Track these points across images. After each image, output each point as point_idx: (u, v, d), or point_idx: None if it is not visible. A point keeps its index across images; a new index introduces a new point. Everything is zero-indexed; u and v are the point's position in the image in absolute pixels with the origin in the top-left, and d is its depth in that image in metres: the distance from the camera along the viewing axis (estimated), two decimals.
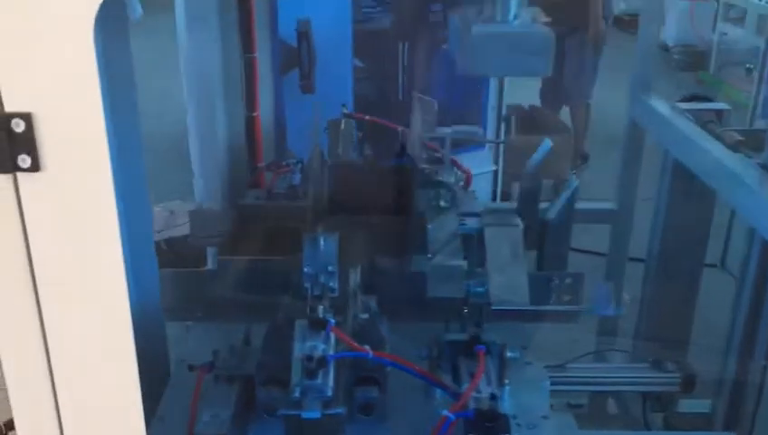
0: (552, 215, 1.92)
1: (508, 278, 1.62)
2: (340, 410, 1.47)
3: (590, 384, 2.39)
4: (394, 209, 2.10)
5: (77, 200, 1.05)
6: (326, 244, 1.64)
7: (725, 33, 8.66)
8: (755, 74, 5.25)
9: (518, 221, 1.80)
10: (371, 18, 5.34)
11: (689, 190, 2.56)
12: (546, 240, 1.93)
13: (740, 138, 2.30)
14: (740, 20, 8.48)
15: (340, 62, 4.05)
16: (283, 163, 2.58)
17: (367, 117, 2.58)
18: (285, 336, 1.54)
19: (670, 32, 8.98)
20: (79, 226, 1.06)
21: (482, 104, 3.82)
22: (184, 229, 3.44)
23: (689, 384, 2.39)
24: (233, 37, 2.55)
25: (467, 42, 1.69)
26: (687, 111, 2.52)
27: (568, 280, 1.93)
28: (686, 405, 2.72)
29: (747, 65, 8.17)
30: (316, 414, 1.43)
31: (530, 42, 1.69)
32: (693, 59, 8.61)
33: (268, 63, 2.81)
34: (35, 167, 1.01)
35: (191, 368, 1.71)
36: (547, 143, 2.16)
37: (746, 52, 8.26)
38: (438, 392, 1.65)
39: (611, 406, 3.18)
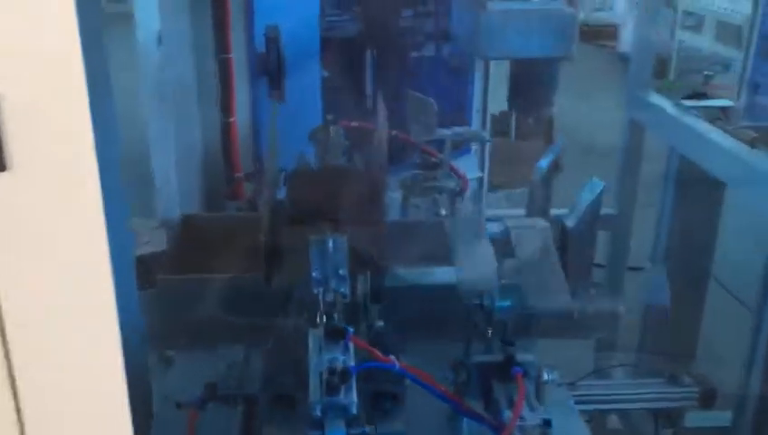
0: (572, 222, 1.75)
1: (542, 281, 1.44)
2: (367, 429, 1.31)
3: (606, 403, 2.23)
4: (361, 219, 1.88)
5: (55, 208, 0.83)
6: (335, 246, 1.46)
7: (683, 41, 8.73)
8: (737, 80, 5.23)
9: (544, 223, 1.62)
10: (336, 26, 5.18)
11: (697, 191, 2.43)
12: (567, 249, 1.75)
13: (755, 134, 2.18)
14: (698, 27, 8.54)
15: (310, 70, 3.87)
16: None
17: (353, 123, 2.39)
18: (292, 349, 1.39)
19: (629, 40, 9.01)
20: (57, 240, 0.85)
21: (464, 109, 3.67)
22: (148, 248, 3.21)
23: (709, 399, 2.25)
24: (207, 37, 2.34)
25: (481, 21, 1.52)
26: (693, 108, 2.39)
27: (591, 291, 1.76)
28: (694, 419, 2.59)
29: (706, 72, 8.23)
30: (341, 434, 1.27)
31: (552, 20, 1.52)
32: (657, 68, 8.62)
33: (243, 67, 2.60)
34: (1, 165, 0.79)
35: (179, 405, 1.49)
36: (558, 145, 1.99)
37: (704, 59, 8.33)
38: (466, 423, 1.46)
39: (612, 422, 3.02)
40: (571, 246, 1.75)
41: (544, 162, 1.96)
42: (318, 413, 1.25)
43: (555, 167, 3.13)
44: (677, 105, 2.42)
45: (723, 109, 2.41)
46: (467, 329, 1.59)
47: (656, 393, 2.25)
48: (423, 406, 1.48)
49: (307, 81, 3.73)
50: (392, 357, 1.38)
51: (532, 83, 5.69)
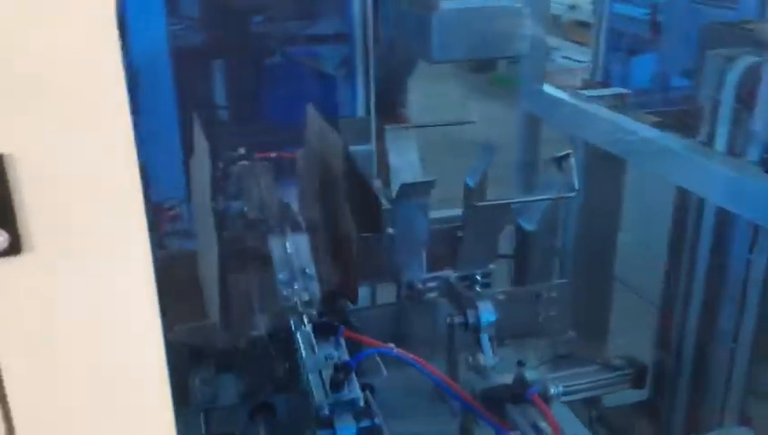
0: (531, 224, 1.70)
1: None
2: (378, 421, 1.26)
3: None
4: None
5: (85, 302, 0.63)
6: (297, 246, 1.44)
7: None
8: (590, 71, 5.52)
9: None
10: (175, 36, 4.87)
11: (601, 177, 2.49)
12: (526, 249, 1.70)
13: (657, 119, 2.27)
14: None
15: (162, 84, 3.58)
16: (166, 206, 2.11)
17: (273, 154, 2.16)
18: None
19: None
20: (89, 349, 0.64)
21: (335, 117, 3.53)
22: None
23: (641, 378, 2.31)
24: None
25: (433, 22, 1.43)
26: (593, 97, 2.44)
27: (553, 293, 1.71)
28: (612, 398, 2.65)
29: None
30: (352, 431, 1.25)
31: (503, 18, 1.46)
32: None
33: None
34: (15, 247, 0.58)
35: None
36: (490, 148, 1.93)
37: None
38: None
39: None
40: (531, 248, 1.70)
41: (480, 166, 1.86)
42: (327, 412, 1.24)
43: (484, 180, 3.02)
44: (577, 95, 2.46)
45: (619, 96, 2.48)
46: (450, 348, 1.49)
47: (594, 381, 2.27)
48: None
49: (160, 96, 3.45)
50: (391, 345, 1.35)
51: (394, 85, 5.66)
